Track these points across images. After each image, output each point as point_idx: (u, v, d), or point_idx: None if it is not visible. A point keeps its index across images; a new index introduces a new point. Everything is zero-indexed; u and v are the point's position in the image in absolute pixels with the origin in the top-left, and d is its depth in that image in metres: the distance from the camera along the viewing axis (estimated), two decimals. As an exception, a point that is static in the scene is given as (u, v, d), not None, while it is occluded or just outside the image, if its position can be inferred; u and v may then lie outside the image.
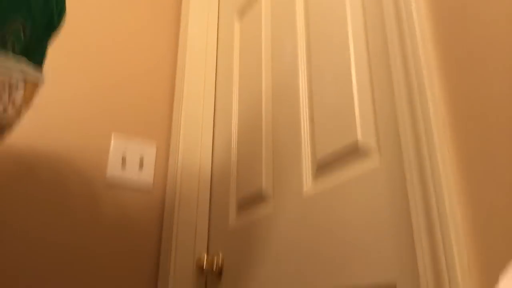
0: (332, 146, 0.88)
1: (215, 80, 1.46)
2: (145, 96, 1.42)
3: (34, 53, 0.77)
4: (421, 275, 0.63)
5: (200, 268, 1.16)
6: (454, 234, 0.60)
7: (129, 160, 1.32)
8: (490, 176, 0.59)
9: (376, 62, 0.83)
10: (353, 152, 0.84)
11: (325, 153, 0.90)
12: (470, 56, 0.66)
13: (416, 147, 0.68)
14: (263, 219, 1.04)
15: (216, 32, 1.52)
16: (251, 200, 1.11)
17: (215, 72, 1.47)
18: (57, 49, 1.26)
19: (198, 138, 1.36)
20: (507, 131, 0.58)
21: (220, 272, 1.15)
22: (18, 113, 0.67)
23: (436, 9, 0.73)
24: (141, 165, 1.33)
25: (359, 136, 0.83)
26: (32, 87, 0.69)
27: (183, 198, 1.27)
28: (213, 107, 1.42)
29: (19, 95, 0.62)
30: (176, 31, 1.55)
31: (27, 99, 0.67)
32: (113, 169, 1.28)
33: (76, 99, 1.31)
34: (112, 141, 1.31)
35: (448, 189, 0.63)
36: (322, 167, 0.91)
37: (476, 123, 0.63)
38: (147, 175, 1.32)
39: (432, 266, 0.62)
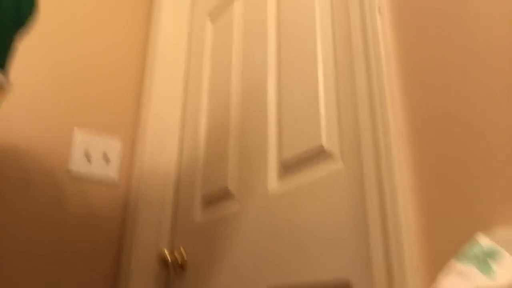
0: (297, 148, 0.92)
1: (185, 80, 1.47)
2: (111, 93, 1.42)
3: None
4: (374, 271, 0.68)
5: (162, 262, 1.17)
6: (405, 234, 0.66)
7: (93, 154, 1.31)
8: (440, 181, 0.65)
9: (342, 72, 0.88)
10: (317, 155, 0.88)
11: (290, 155, 0.94)
12: (428, 70, 0.70)
13: (375, 153, 0.73)
14: (228, 215, 1.07)
15: (187, 32, 1.54)
16: (216, 198, 1.14)
17: (184, 71, 1.48)
18: (22, 44, 1.24)
19: (165, 135, 1.37)
20: (459, 141, 0.63)
21: (183, 267, 1.17)
22: None
23: (399, 25, 0.78)
24: (106, 159, 1.32)
25: (324, 141, 0.87)
26: None
27: (147, 194, 1.28)
28: (181, 105, 1.43)
29: None
30: (147, 28, 1.56)
31: None
32: (75, 162, 1.28)
33: (40, 94, 1.30)
34: (75, 135, 1.31)
35: (402, 192, 0.68)
36: (287, 168, 0.94)
37: (430, 133, 0.68)
38: (112, 170, 1.33)
39: (385, 264, 0.67)
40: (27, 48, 1.31)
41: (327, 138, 0.87)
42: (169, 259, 1.17)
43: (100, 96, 1.39)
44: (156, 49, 1.46)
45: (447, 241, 0.62)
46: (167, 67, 1.46)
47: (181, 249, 1.18)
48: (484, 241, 0.55)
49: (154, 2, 1.59)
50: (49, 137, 1.27)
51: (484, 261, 0.54)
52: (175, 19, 1.53)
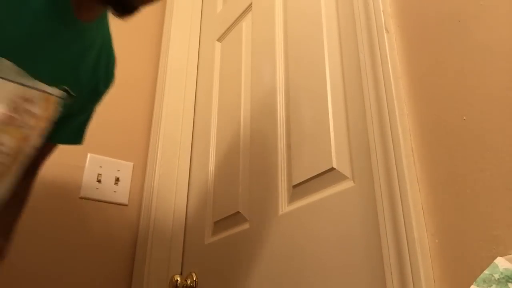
0: (308, 172, 0.91)
1: (195, 103, 1.48)
2: (123, 118, 1.43)
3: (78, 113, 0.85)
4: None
5: (174, 287, 1.16)
6: (421, 256, 0.63)
7: (105, 179, 1.32)
8: (455, 202, 0.63)
9: (351, 91, 0.87)
10: (328, 176, 0.86)
11: (301, 178, 0.92)
12: (437, 86, 0.69)
13: (387, 172, 0.71)
14: (239, 237, 1.05)
15: (197, 55, 1.55)
16: (228, 221, 1.12)
17: (194, 94, 1.49)
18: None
19: (176, 158, 1.37)
20: (473, 158, 0.61)
21: (194, 292, 1.15)
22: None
23: (406, 42, 0.77)
24: (117, 184, 1.33)
25: (334, 163, 0.85)
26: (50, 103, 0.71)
27: (158, 217, 1.27)
28: (192, 128, 1.44)
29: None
30: (157, 52, 1.57)
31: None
32: (88, 187, 1.28)
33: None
34: (88, 160, 1.31)
35: (416, 213, 0.66)
36: (298, 191, 0.93)
37: (442, 151, 0.66)
38: (123, 195, 1.33)
39: (399, 282, 0.64)
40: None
41: (337, 159, 0.85)
42: (181, 283, 1.15)
43: (112, 122, 1.40)
44: (167, 71, 1.48)
45: (464, 265, 0.59)
46: (177, 89, 1.47)
47: (193, 274, 1.17)
48: (504, 265, 0.52)
49: (164, 29, 1.61)
50: (63, 163, 1.28)
51: (505, 285, 0.51)
52: (184, 44, 1.55)
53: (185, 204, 1.33)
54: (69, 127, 0.84)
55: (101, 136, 1.36)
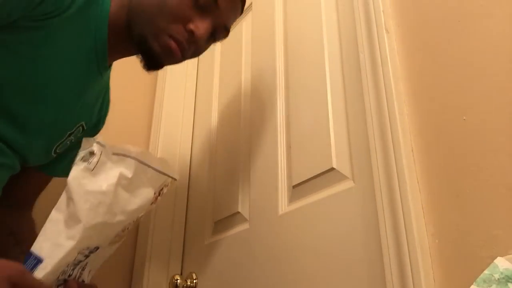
0: (308, 172, 0.90)
1: (195, 103, 1.48)
2: (122, 118, 1.41)
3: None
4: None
5: (174, 287, 1.16)
6: (421, 256, 0.63)
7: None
8: (455, 202, 0.63)
9: (351, 93, 0.87)
10: (328, 177, 0.86)
11: (301, 179, 0.92)
12: (437, 86, 0.69)
13: (387, 173, 0.71)
14: (238, 239, 1.05)
15: (197, 59, 1.54)
16: (227, 221, 1.12)
17: (194, 94, 1.49)
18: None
19: (176, 158, 1.37)
20: (473, 158, 0.61)
21: (194, 292, 1.15)
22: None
23: (406, 42, 0.77)
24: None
25: (334, 163, 0.85)
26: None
27: (158, 217, 1.27)
28: (192, 128, 1.44)
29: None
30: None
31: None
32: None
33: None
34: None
35: (416, 213, 0.66)
36: (298, 191, 0.93)
37: (442, 151, 0.66)
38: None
39: (399, 282, 0.64)
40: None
41: (337, 159, 0.85)
42: (181, 284, 1.15)
43: (113, 122, 1.39)
44: (167, 74, 1.48)
45: (464, 265, 0.59)
46: (177, 91, 1.47)
47: (193, 274, 1.17)
48: (504, 265, 0.52)
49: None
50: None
51: (505, 285, 0.51)
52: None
53: (185, 204, 1.33)
54: (67, 160, 0.82)
55: (101, 136, 1.35)
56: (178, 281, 1.16)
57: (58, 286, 0.65)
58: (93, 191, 0.64)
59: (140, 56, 0.81)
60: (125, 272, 1.26)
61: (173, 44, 0.78)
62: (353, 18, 0.88)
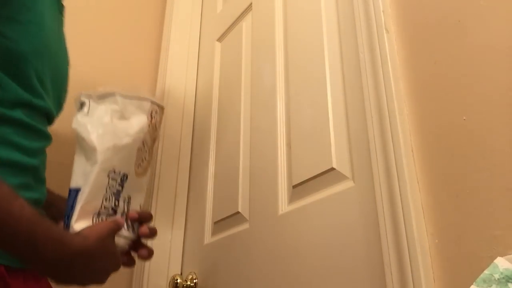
0: (308, 172, 0.90)
1: (195, 103, 1.48)
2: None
3: None
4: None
5: (174, 287, 1.16)
6: (420, 256, 0.63)
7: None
8: (455, 202, 0.63)
9: (351, 93, 0.87)
10: (328, 176, 0.86)
11: (301, 179, 0.92)
12: (437, 85, 0.69)
13: (387, 172, 0.71)
14: (238, 239, 1.05)
15: (197, 55, 1.55)
16: (227, 222, 1.12)
17: (194, 94, 1.49)
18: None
19: (176, 158, 1.37)
20: (473, 158, 0.61)
21: (194, 291, 1.15)
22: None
23: (406, 42, 0.77)
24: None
25: (334, 163, 0.85)
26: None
27: (158, 217, 1.27)
28: (192, 128, 1.44)
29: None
30: (157, 52, 1.57)
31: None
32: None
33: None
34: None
35: (416, 213, 0.66)
36: (298, 191, 0.93)
37: (442, 151, 0.66)
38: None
39: (399, 282, 0.64)
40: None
41: (337, 159, 0.85)
42: (181, 284, 1.15)
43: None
44: (167, 74, 1.48)
45: (464, 265, 0.59)
46: (177, 91, 1.47)
47: (193, 274, 1.17)
48: (504, 265, 0.52)
49: (164, 29, 1.61)
50: (63, 163, 1.28)
51: (505, 285, 0.51)
52: (184, 44, 1.55)
53: (185, 204, 1.33)
54: None
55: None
56: (178, 281, 1.16)
57: (108, 215, 0.76)
58: (96, 125, 0.77)
59: None
60: (125, 272, 1.26)
61: None
62: (353, 18, 0.88)
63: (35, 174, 0.73)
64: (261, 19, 1.24)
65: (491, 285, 0.52)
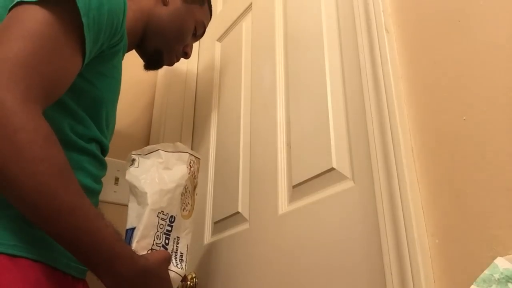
0: (308, 172, 0.90)
1: (195, 103, 1.48)
2: (122, 118, 1.41)
3: None
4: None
5: None
6: (420, 256, 0.63)
7: (104, 178, 1.31)
8: (455, 202, 0.63)
9: (351, 93, 0.87)
10: (328, 177, 0.86)
11: (301, 179, 0.92)
12: (438, 86, 0.69)
13: (387, 172, 0.71)
14: (238, 239, 1.05)
15: (197, 55, 1.55)
16: (227, 222, 1.12)
17: (194, 94, 1.49)
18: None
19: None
20: (473, 158, 0.61)
21: (194, 292, 1.15)
22: None
23: (406, 42, 0.77)
24: (116, 182, 1.33)
25: (334, 163, 0.85)
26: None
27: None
28: (192, 128, 1.44)
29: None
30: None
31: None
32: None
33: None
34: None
35: (416, 213, 0.66)
36: (298, 192, 0.92)
37: (442, 151, 0.66)
38: (122, 193, 1.32)
39: (399, 282, 0.64)
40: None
41: (337, 159, 0.85)
42: (181, 285, 1.15)
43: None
44: (167, 74, 1.48)
45: (464, 265, 0.59)
46: (177, 91, 1.47)
47: (193, 274, 1.16)
48: (504, 265, 0.52)
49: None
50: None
51: (505, 285, 0.51)
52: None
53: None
54: None
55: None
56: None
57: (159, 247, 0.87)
58: (145, 175, 0.91)
59: (145, 59, 1.12)
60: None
61: (175, 60, 1.15)
62: (353, 18, 0.88)
63: (97, 199, 0.90)
64: (261, 19, 1.24)
65: (491, 285, 0.52)
